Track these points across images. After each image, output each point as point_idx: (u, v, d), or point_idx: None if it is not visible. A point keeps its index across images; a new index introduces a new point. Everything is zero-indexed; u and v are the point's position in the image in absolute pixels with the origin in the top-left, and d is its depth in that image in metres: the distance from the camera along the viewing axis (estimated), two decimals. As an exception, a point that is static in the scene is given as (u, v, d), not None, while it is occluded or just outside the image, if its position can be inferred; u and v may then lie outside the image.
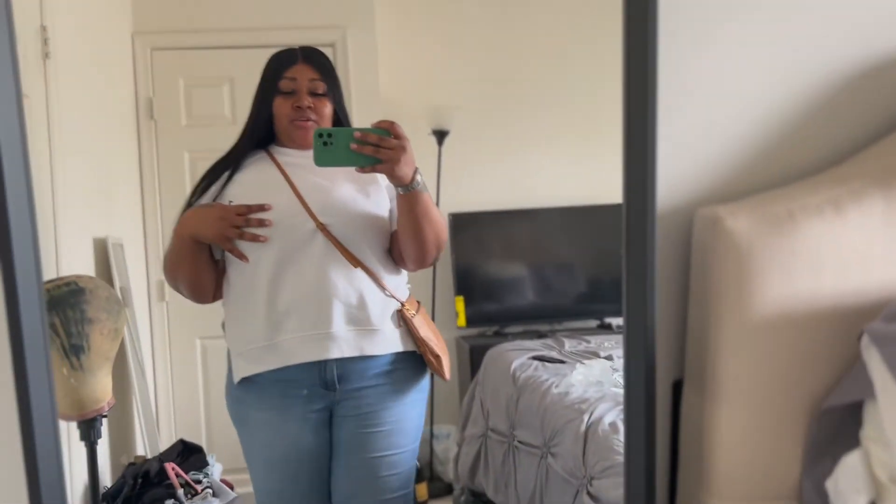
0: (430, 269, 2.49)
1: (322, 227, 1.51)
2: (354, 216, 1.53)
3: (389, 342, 1.56)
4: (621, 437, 1.69)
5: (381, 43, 3.30)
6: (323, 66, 1.61)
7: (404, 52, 3.47)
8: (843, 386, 0.99)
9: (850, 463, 0.96)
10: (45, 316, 0.82)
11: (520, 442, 2.20)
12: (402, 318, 1.58)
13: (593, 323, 3.44)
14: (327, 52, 1.81)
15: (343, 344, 1.51)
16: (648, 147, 0.96)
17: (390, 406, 1.58)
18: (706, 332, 1.03)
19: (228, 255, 1.55)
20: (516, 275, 3.52)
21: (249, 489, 1.75)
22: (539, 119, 3.53)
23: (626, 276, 1.01)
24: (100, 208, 2.60)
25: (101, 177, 2.65)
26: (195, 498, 2.29)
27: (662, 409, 1.13)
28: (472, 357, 3.03)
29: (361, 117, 2.61)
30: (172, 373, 3.19)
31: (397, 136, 1.39)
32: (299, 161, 1.57)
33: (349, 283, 1.51)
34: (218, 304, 1.65)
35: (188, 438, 2.64)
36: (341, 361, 1.53)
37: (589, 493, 1.74)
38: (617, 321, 3.36)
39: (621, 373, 1.59)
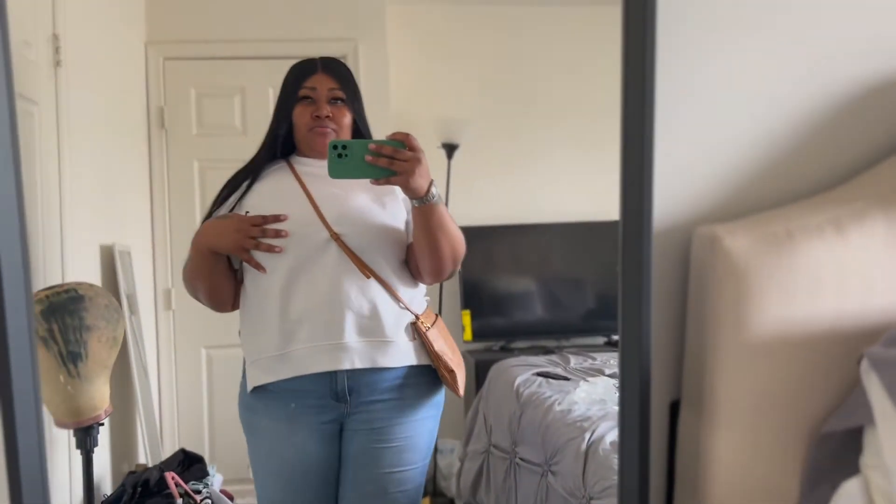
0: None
1: (336, 237, 1.50)
2: (369, 226, 1.53)
3: (403, 355, 1.54)
4: (622, 456, 1.66)
5: (392, 56, 3.31)
6: (342, 75, 1.62)
7: (415, 65, 3.47)
8: (842, 411, 0.96)
9: (849, 490, 0.94)
10: (32, 319, 0.81)
11: (521, 459, 2.18)
12: (416, 331, 1.56)
13: (601, 340, 3.41)
14: (338, 64, 1.81)
15: (355, 355, 1.50)
16: (645, 164, 0.95)
17: (402, 422, 1.57)
18: (703, 353, 1.02)
19: (245, 264, 1.55)
20: (524, 289, 3.51)
21: (250, 500, 1.74)
22: (549, 133, 3.52)
23: (622, 295, 1.00)
24: (108, 215, 2.61)
25: (111, 184, 2.66)
26: (194, 508, 2.27)
27: (659, 429, 1.11)
28: (478, 372, 3.00)
29: (371, 130, 2.62)
30: (177, 382, 3.19)
31: (412, 148, 1.38)
32: (317, 171, 1.56)
33: (362, 294, 1.50)
34: (224, 314, 1.66)
35: (191, 448, 2.63)
36: (353, 373, 1.52)
37: (588, 513, 1.72)
38: (624, 339, 3.32)
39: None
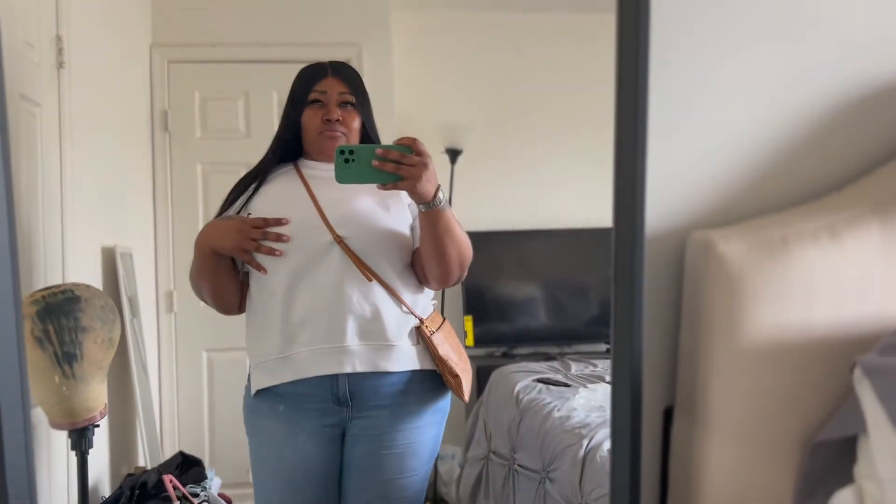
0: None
1: (339, 240, 1.50)
2: (373, 229, 1.52)
3: (405, 359, 1.54)
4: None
5: (396, 61, 3.32)
6: (352, 79, 1.62)
7: (419, 71, 3.48)
8: (835, 419, 0.95)
9: (843, 500, 0.92)
10: (20, 319, 0.81)
11: (520, 465, 2.17)
12: (420, 336, 1.55)
13: (604, 347, 3.40)
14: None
15: (356, 358, 1.50)
16: (638, 170, 0.94)
17: (404, 428, 1.56)
18: (696, 359, 1.01)
19: (253, 264, 1.55)
20: (527, 296, 3.50)
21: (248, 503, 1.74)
22: (553, 139, 3.52)
23: (614, 300, 0.99)
24: (110, 217, 2.61)
25: (113, 186, 2.67)
26: (191, 511, 2.27)
27: (652, 436, 1.10)
28: (480, 378, 3.00)
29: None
30: (178, 384, 3.19)
31: (419, 153, 1.38)
32: (324, 174, 1.57)
33: (364, 297, 1.50)
34: (226, 317, 1.66)
35: (191, 451, 2.63)
36: (354, 378, 1.51)
37: (583, 521, 1.71)
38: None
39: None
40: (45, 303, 1.50)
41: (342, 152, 1.36)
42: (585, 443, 1.85)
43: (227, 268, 1.56)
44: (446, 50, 3.55)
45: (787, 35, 1.05)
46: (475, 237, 1.54)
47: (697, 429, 1.02)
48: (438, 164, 1.41)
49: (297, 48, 3.08)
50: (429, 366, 1.56)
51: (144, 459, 2.65)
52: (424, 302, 1.60)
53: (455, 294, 3.38)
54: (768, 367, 0.97)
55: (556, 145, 3.52)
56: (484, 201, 3.45)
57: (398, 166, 1.37)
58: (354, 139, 1.61)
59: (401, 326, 1.54)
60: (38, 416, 1.72)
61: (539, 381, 2.48)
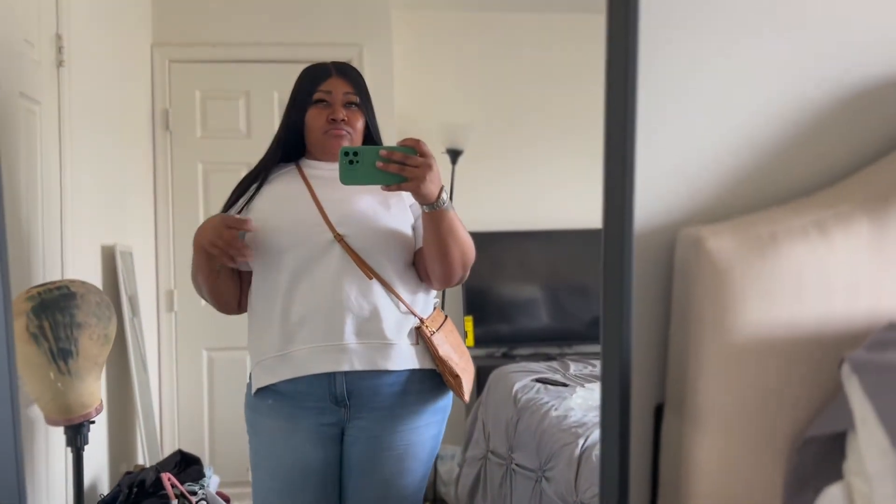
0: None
1: (339, 238, 1.50)
2: (373, 228, 1.53)
3: (405, 358, 1.53)
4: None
5: (397, 62, 3.32)
6: (356, 80, 1.62)
7: (419, 71, 3.48)
8: (824, 416, 0.95)
9: (832, 496, 0.92)
10: (10, 316, 0.81)
11: (517, 465, 2.17)
12: (420, 335, 1.55)
13: (603, 347, 3.38)
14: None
15: (354, 357, 1.50)
16: (627, 165, 0.94)
17: (403, 429, 1.56)
18: (686, 356, 1.01)
19: (254, 262, 1.55)
20: (527, 296, 3.50)
21: (246, 503, 1.74)
22: (554, 140, 3.52)
23: (603, 297, 0.99)
24: (110, 216, 2.62)
25: (113, 185, 2.68)
26: (189, 509, 2.27)
27: (643, 433, 1.10)
28: (479, 378, 2.99)
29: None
30: (178, 383, 3.20)
31: (423, 154, 1.38)
32: (326, 174, 1.57)
33: (363, 296, 1.50)
34: (226, 317, 1.66)
35: (191, 450, 2.63)
36: (351, 377, 1.51)
37: (578, 519, 1.70)
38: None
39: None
40: (41, 299, 1.51)
41: (346, 154, 1.36)
42: (581, 442, 1.85)
43: (228, 270, 1.56)
44: (447, 50, 3.55)
45: (778, 32, 1.05)
46: (476, 237, 1.54)
47: (687, 425, 1.01)
48: (439, 164, 1.41)
49: (297, 48, 3.09)
50: (429, 365, 1.56)
51: (143, 458, 2.66)
52: (425, 301, 1.60)
53: (455, 294, 3.38)
54: (757, 364, 0.97)
55: (556, 146, 3.52)
56: (485, 201, 3.45)
57: (402, 167, 1.37)
58: (358, 139, 1.61)
59: (400, 325, 1.54)
60: (36, 412, 1.73)
61: (537, 380, 2.48)
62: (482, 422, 2.58)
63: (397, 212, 1.56)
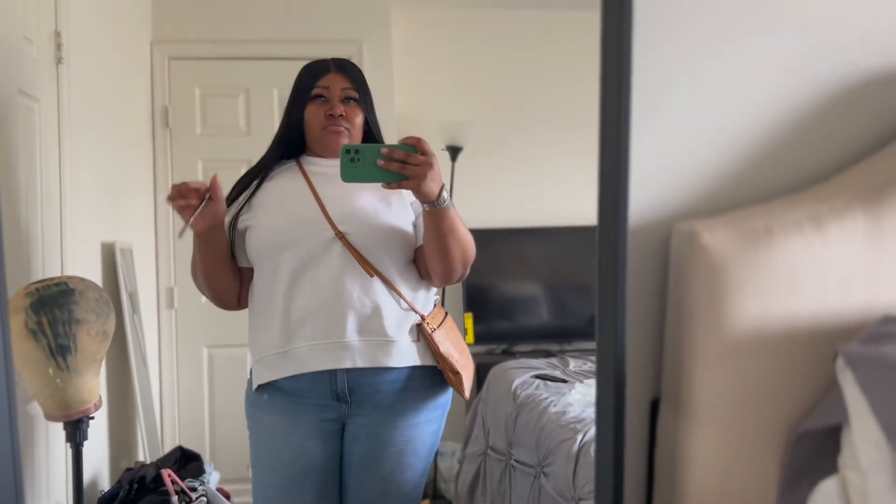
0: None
1: (340, 236, 1.50)
2: (374, 226, 1.53)
3: (406, 355, 1.54)
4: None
5: (396, 59, 3.32)
6: (355, 76, 1.63)
7: (419, 67, 3.48)
8: (819, 410, 0.95)
9: (826, 490, 0.92)
10: (6, 312, 0.81)
11: (516, 461, 2.17)
12: (421, 332, 1.55)
13: (603, 344, 3.38)
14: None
15: (356, 354, 1.50)
16: (621, 160, 0.94)
17: (403, 425, 1.56)
18: (681, 350, 1.01)
19: (255, 259, 1.55)
20: (527, 293, 3.49)
21: (247, 499, 1.74)
22: (553, 137, 3.51)
23: (598, 292, 0.99)
24: (110, 213, 2.62)
25: (113, 182, 2.68)
26: (189, 505, 2.28)
27: (639, 428, 1.10)
28: (479, 375, 2.99)
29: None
30: (178, 380, 3.20)
31: (424, 153, 1.38)
32: (326, 170, 1.58)
33: (364, 293, 1.50)
34: (226, 314, 1.66)
35: (192, 446, 2.64)
36: (353, 374, 1.51)
37: (576, 514, 1.71)
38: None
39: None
40: (39, 295, 1.51)
41: (347, 151, 1.37)
42: (580, 437, 1.86)
43: (220, 256, 1.55)
44: (446, 47, 3.55)
45: (772, 27, 1.05)
46: (476, 235, 1.55)
47: (682, 420, 1.02)
48: (439, 161, 1.41)
49: (297, 45, 3.09)
50: (429, 362, 1.57)
51: (144, 454, 2.66)
52: (425, 298, 1.61)
53: (455, 291, 3.39)
54: (752, 358, 0.97)
55: (556, 142, 3.51)
56: (484, 198, 3.45)
57: (403, 166, 1.37)
58: (357, 135, 1.62)
59: (401, 323, 1.54)
60: (36, 408, 1.73)
61: (537, 377, 2.48)
62: (482, 418, 2.58)
63: (398, 209, 1.56)
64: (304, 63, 1.67)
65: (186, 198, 1.43)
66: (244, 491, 2.00)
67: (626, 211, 0.95)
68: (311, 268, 1.51)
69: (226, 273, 1.57)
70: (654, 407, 1.10)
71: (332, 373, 1.51)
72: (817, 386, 0.97)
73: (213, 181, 1.45)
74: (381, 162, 1.36)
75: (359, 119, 1.60)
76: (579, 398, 2.12)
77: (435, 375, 1.58)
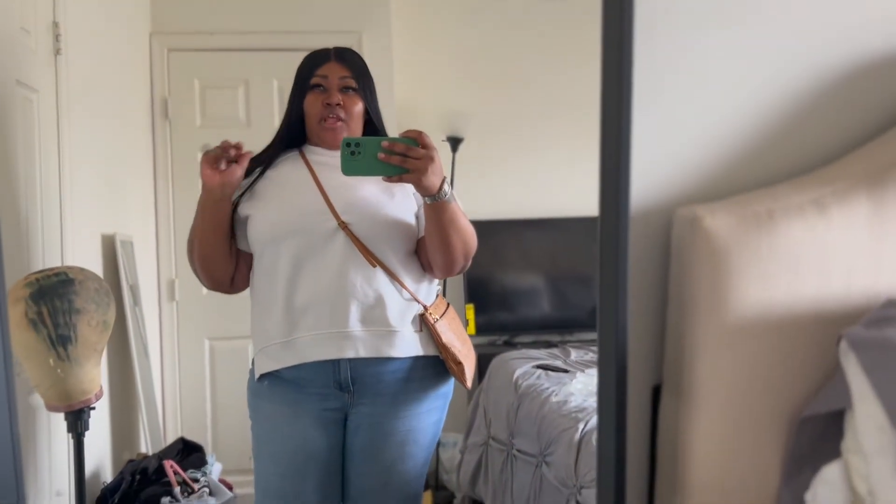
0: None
1: (343, 226, 1.50)
2: (377, 216, 1.53)
3: (408, 345, 1.54)
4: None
5: (397, 49, 3.31)
6: (355, 64, 1.62)
7: (419, 58, 3.46)
8: (823, 394, 0.95)
9: (829, 475, 0.92)
10: (5, 303, 0.81)
11: (518, 450, 2.17)
12: (423, 322, 1.55)
13: (605, 334, 3.37)
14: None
15: (359, 344, 1.50)
16: (622, 145, 0.93)
17: (405, 415, 1.56)
18: (682, 335, 1.00)
19: (256, 248, 1.55)
20: (529, 284, 3.49)
21: (249, 490, 1.74)
22: (555, 127, 3.49)
23: (599, 278, 0.98)
24: (110, 205, 2.62)
25: (113, 174, 2.68)
26: (191, 496, 2.28)
27: (641, 414, 1.09)
28: (481, 366, 2.99)
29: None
30: (180, 373, 3.20)
31: (425, 146, 1.38)
32: (329, 160, 1.57)
33: (367, 283, 1.50)
34: (228, 306, 1.65)
35: (194, 438, 2.64)
36: (355, 363, 1.51)
37: (578, 503, 1.70)
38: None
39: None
40: (39, 285, 1.51)
41: (348, 144, 1.36)
42: (581, 426, 1.85)
43: (223, 226, 1.54)
44: (447, 37, 3.53)
45: (775, 11, 1.04)
46: (477, 226, 1.55)
47: (684, 406, 1.01)
48: (439, 151, 1.41)
49: (296, 36, 3.07)
50: (432, 352, 1.57)
51: (146, 446, 2.67)
52: (428, 289, 1.61)
53: (457, 283, 3.38)
54: (754, 343, 0.96)
55: (559, 133, 3.49)
56: (485, 190, 3.44)
57: (404, 159, 1.37)
58: (356, 124, 1.61)
59: (403, 313, 1.54)
60: (38, 400, 1.73)
61: (538, 367, 2.48)
62: (483, 408, 2.58)
63: (401, 199, 1.56)
64: (303, 54, 1.66)
65: (226, 152, 1.47)
66: (247, 482, 2.00)
67: (628, 196, 0.95)
68: (313, 257, 1.51)
69: (222, 247, 1.56)
70: (656, 394, 1.10)
71: (335, 362, 1.52)
72: (820, 371, 0.97)
73: (241, 148, 1.49)
74: (381, 155, 1.36)
75: (357, 108, 1.60)
76: (581, 388, 2.11)
77: (437, 365, 1.59)
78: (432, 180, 1.40)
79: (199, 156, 3.04)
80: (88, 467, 2.07)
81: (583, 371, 2.36)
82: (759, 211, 0.96)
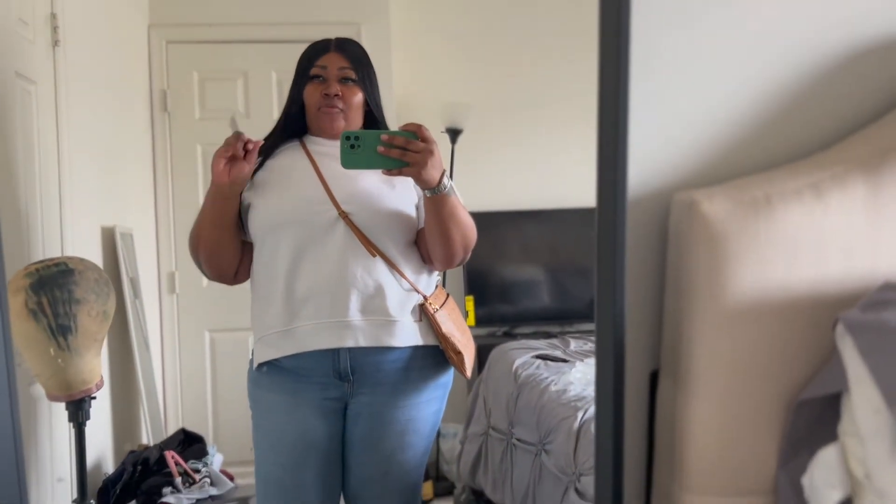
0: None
1: (344, 216, 1.51)
2: (377, 206, 1.53)
3: (408, 335, 1.54)
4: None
5: (395, 40, 3.30)
6: (355, 55, 1.62)
7: (418, 49, 3.46)
8: (819, 377, 0.95)
9: (826, 458, 0.92)
10: (5, 294, 0.81)
11: (517, 440, 2.18)
12: (423, 312, 1.56)
13: (605, 325, 3.37)
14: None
15: (359, 333, 1.51)
16: (620, 130, 0.93)
17: (405, 405, 1.57)
18: (680, 320, 1.01)
19: (256, 237, 1.55)
20: (528, 276, 3.49)
21: (251, 481, 1.74)
22: (555, 119, 3.48)
23: (597, 264, 0.98)
24: (110, 198, 2.62)
25: (112, 167, 2.68)
26: (193, 487, 2.29)
27: (638, 400, 1.10)
28: (481, 357, 2.99)
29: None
30: (181, 365, 3.21)
31: (424, 139, 1.39)
32: (329, 150, 1.57)
33: (368, 273, 1.51)
34: (228, 298, 1.65)
35: (195, 430, 2.65)
36: (355, 353, 1.52)
37: (577, 490, 1.71)
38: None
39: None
40: (39, 275, 1.51)
41: (347, 138, 1.36)
42: (580, 415, 1.86)
43: (231, 220, 1.54)
44: (446, 28, 3.52)
45: (773, -6, 1.04)
46: (476, 218, 1.55)
47: (681, 390, 1.01)
48: (438, 143, 1.41)
49: (295, 27, 3.07)
50: (431, 342, 1.57)
51: (147, 437, 2.68)
52: (427, 279, 1.61)
53: (457, 275, 3.38)
54: (752, 327, 0.97)
55: (558, 124, 3.48)
56: (485, 181, 3.44)
57: (404, 152, 1.37)
58: (355, 115, 1.61)
59: (403, 303, 1.54)
60: (39, 390, 1.74)
61: (537, 357, 2.49)
62: (483, 399, 2.59)
63: (402, 190, 1.57)
64: (303, 46, 1.66)
65: (231, 146, 1.46)
66: (248, 473, 2.01)
67: (625, 181, 0.95)
68: (313, 247, 1.51)
69: (231, 241, 1.56)
70: (654, 379, 1.10)
71: (335, 352, 1.52)
72: (817, 355, 0.97)
73: (256, 144, 1.48)
74: (381, 148, 1.36)
75: (356, 99, 1.59)
76: (580, 377, 2.12)
77: (437, 355, 1.59)
78: (432, 173, 1.40)
79: (199, 148, 3.13)
80: (90, 458, 2.08)
81: (582, 360, 2.37)
82: (756, 195, 0.96)
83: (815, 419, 0.95)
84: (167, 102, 3.15)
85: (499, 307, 3.42)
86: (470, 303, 3.36)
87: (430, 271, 1.62)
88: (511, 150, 3.51)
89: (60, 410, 1.80)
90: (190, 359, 3.21)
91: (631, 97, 0.96)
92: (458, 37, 3.50)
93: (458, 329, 1.61)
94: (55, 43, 2.09)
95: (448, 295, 1.66)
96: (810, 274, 0.96)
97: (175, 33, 3.13)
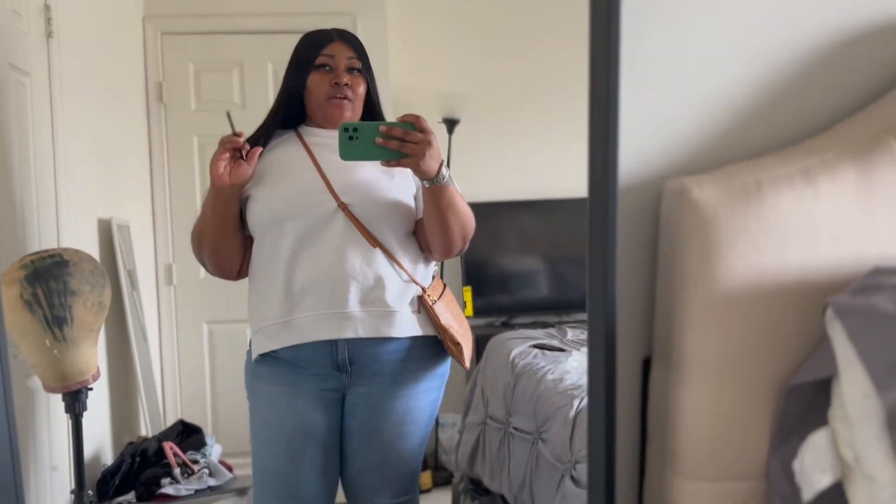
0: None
1: (343, 207, 1.51)
2: (377, 197, 1.53)
3: (406, 325, 1.55)
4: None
5: (391, 31, 3.29)
6: (357, 46, 1.62)
7: (414, 40, 3.45)
8: (810, 362, 0.95)
9: (816, 442, 0.93)
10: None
11: (514, 429, 2.19)
12: (422, 304, 1.56)
13: (602, 315, 3.38)
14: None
15: (358, 324, 1.51)
16: (610, 118, 0.93)
17: (403, 395, 1.58)
18: (672, 308, 1.01)
19: (255, 230, 1.55)
20: (526, 266, 3.49)
21: (249, 472, 1.75)
22: (552, 109, 3.48)
23: (588, 250, 0.99)
24: (106, 189, 2.62)
25: (109, 158, 2.67)
26: (191, 478, 2.30)
27: (631, 386, 1.10)
28: (478, 347, 3.00)
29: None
30: (179, 357, 3.22)
31: (422, 130, 1.39)
32: (327, 141, 1.57)
33: (367, 264, 1.51)
34: (226, 289, 1.65)
35: (193, 421, 2.66)
36: (353, 344, 1.52)
37: (572, 478, 1.72)
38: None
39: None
40: (34, 267, 1.52)
41: (346, 129, 1.37)
42: (576, 403, 1.87)
43: (233, 220, 1.54)
44: (442, 18, 3.51)
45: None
46: (474, 208, 1.55)
47: (674, 376, 1.02)
48: (436, 134, 1.41)
49: (291, 18, 3.06)
50: (430, 332, 1.58)
51: (146, 428, 2.68)
52: (425, 271, 1.61)
53: (454, 265, 3.38)
54: (743, 313, 0.97)
55: (554, 114, 3.48)
56: (482, 171, 3.43)
57: (402, 143, 1.37)
58: (360, 105, 1.61)
59: (402, 294, 1.55)
60: (36, 382, 1.74)
61: (534, 346, 2.49)
62: (481, 388, 2.59)
63: (400, 181, 1.57)
64: (298, 36, 1.65)
65: (227, 147, 1.46)
66: (246, 464, 2.01)
67: (616, 168, 0.95)
68: (313, 238, 1.51)
69: (234, 239, 1.56)
70: (647, 366, 1.11)
71: (334, 343, 1.52)
72: (808, 340, 0.98)
73: (254, 151, 1.47)
74: (379, 140, 1.37)
75: (361, 89, 1.60)
76: (576, 366, 2.13)
77: (435, 346, 1.60)
78: (430, 164, 1.40)
79: (195, 140, 3.13)
80: (89, 450, 2.08)
81: (579, 350, 2.37)
82: (747, 182, 0.96)
83: (805, 404, 0.96)
84: (163, 94, 3.14)
85: (496, 297, 3.43)
86: (468, 293, 3.36)
87: (428, 262, 1.62)
88: (508, 140, 3.51)
89: (58, 402, 1.81)
90: (188, 350, 3.22)
91: (622, 85, 0.96)
92: (455, 27, 3.49)
93: (456, 320, 1.62)
94: (49, 34, 2.08)
95: (445, 286, 1.66)
96: (801, 260, 0.96)
97: (170, 24, 3.12)
